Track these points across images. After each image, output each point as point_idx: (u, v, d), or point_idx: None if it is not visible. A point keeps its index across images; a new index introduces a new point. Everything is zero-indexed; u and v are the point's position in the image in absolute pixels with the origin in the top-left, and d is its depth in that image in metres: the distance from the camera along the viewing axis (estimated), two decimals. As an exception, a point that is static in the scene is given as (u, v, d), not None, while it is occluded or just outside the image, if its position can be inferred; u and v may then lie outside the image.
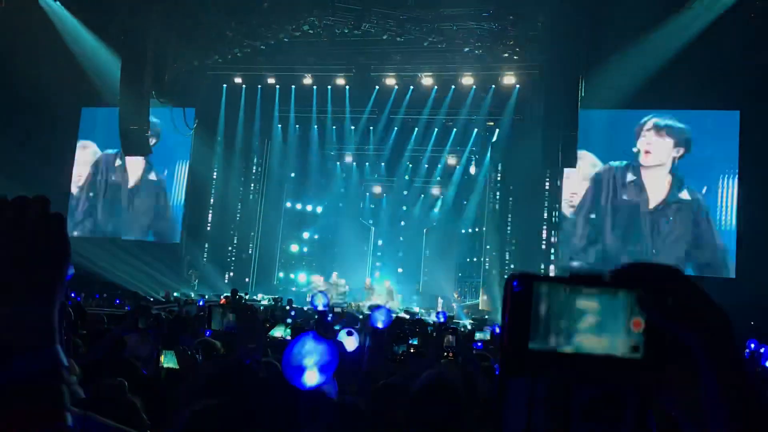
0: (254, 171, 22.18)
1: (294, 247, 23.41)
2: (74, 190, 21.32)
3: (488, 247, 19.23)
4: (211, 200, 21.51)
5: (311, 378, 2.52)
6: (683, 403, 0.67)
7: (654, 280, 0.68)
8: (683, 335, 0.66)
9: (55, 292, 0.83)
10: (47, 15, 17.99)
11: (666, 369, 0.68)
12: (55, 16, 18.15)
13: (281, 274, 22.74)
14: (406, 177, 22.45)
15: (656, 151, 16.75)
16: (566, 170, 16.65)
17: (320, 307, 6.09)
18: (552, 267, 16.98)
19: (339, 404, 2.89)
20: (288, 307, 14.82)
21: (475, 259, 20.65)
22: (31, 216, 0.82)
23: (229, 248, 21.66)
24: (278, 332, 5.79)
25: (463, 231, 21.54)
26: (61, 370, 0.79)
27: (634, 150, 16.88)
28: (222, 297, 15.50)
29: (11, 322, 0.78)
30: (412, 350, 5.35)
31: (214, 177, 21.30)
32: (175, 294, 17.28)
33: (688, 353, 0.66)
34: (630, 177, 16.93)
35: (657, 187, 16.68)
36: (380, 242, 23.96)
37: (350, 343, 5.93)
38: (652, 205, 16.66)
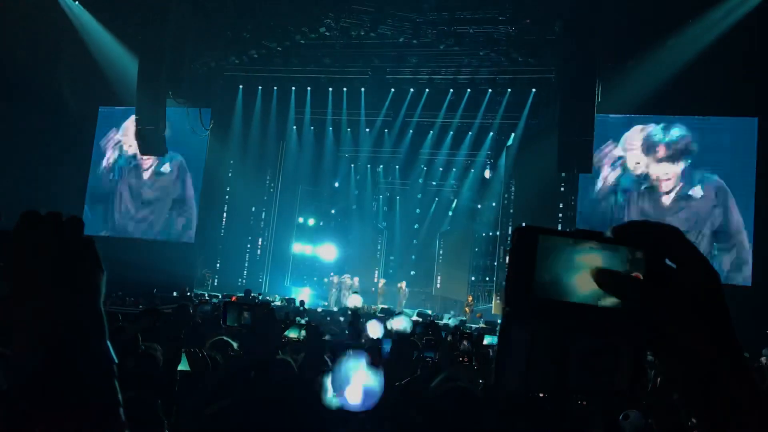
0: (269, 172, 22.25)
1: (308, 248, 23.44)
2: (90, 188, 21.47)
3: (501, 257, 19.15)
4: (226, 200, 21.61)
5: (353, 396, 2.48)
6: (677, 355, 0.70)
7: (652, 237, 0.71)
8: (677, 291, 0.69)
9: (99, 295, 0.87)
10: (66, 15, 18.18)
11: (663, 321, 0.70)
12: (74, 16, 18.34)
13: (294, 275, 22.80)
14: (420, 180, 22.42)
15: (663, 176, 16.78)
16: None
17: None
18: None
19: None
20: (301, 308, 14.87)
21: (489, 263, 20.59)
22: (67, 232, 0.86)
23: (243, 248, 21.74)
24: (293, 334, 5.80)
25: (477, 235, 21.48)
26: (113, 366, 0.81)
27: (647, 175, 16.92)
28: (233, 297, 15.51)
29: (67, 321, 0.81)
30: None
31: (229, 177, 21.41)
32: (187, 293, 17.32)
33: (684, 307, 0.69)
34: (641, 185, 16.88)
35: (669, 196, 16.61)
36: (393, 245, 23.93)
37: (374, 329, 5.94)
38: (665, 210, 16.59)
